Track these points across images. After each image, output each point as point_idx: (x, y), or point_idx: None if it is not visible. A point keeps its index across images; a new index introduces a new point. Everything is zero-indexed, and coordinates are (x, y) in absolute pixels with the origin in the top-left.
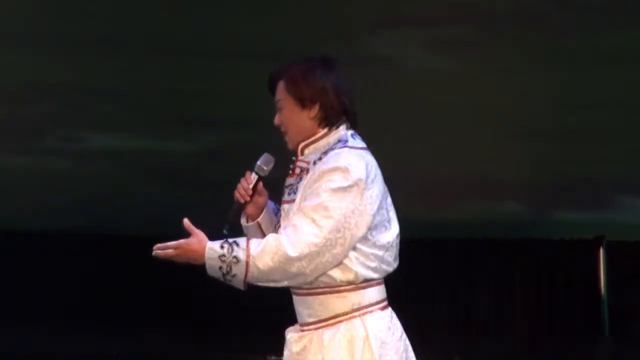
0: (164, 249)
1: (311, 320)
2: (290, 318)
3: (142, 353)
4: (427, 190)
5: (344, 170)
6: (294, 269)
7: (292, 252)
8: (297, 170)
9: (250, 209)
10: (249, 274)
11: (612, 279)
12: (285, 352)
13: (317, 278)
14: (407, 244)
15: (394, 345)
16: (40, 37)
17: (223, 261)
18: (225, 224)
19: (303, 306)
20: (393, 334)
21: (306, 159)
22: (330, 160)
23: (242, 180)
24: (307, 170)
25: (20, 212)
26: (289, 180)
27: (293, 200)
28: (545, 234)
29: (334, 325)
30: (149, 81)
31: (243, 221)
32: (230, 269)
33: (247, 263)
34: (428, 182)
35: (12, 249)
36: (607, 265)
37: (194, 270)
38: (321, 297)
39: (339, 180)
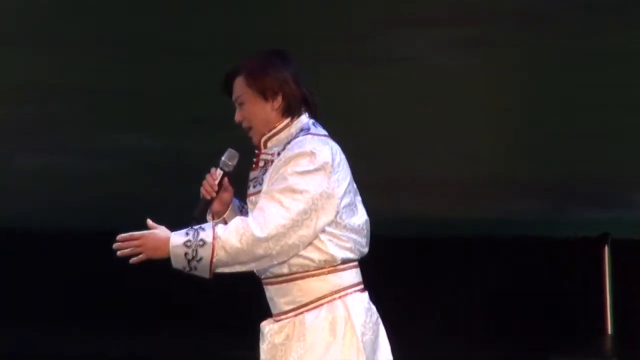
0: (127, 240)
1: (289, 307)
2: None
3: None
4: (433, 189)
5: (310, 154)
6: (261, 250)
7: (260, 233)
8: (261, 163)
9: (216, 206)
10: (216, 257)
11: (616, 277)
12: (264, 346)
13: (288, 262)
14: (418, 241)
15: (371, 327)
16: (55, 36)
17: (188, 246)
18: (192, 221)
19: (279, 295)
20: (371, 316)
21: (269, 152)
22: (295, 147)
23: (208, 177)
24: (272, 162)
25: (41, 212)
26: (253, 174)
27: (258, 192)
28: (551, 232)
29: (315, 308)
30: (162, 80)
31: (209, 218)
32: (196, 253)
33: (213, 245)
34: (434, 181)
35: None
36: (611, 263)
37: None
38: (300, 282)
39: (305, 164)
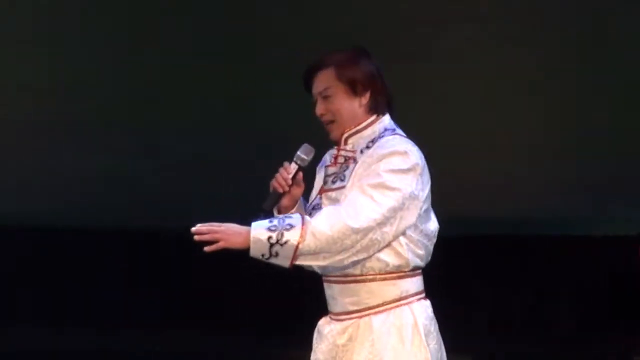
0: (206, 229)
1: (354, 308)
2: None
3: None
4: (466, 186)
5: (403, 154)
6: (348, 242)
7: (353, 223)
8: (341, 160)
9: (285, 201)
10: (303, 243)
11: None
12: (323, 346)
13: (362, 263)
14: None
15: (435, 335)
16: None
17: (273, 230)
18: (260, 212)
19: (345, 295)
20: (435, 324)
21: (350, 148)
22: (387, 145)
23: (282, 170)
24: (354, 159)
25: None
26: (331, 169)
27: (340, 188)
28: (590, 230)
29: (382, 312)
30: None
31: (275, 212)
32: (282, 236)
33: (302, 229)
34: (467, 178)
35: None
36: None
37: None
38: (370, 284)
39: (398, 163)
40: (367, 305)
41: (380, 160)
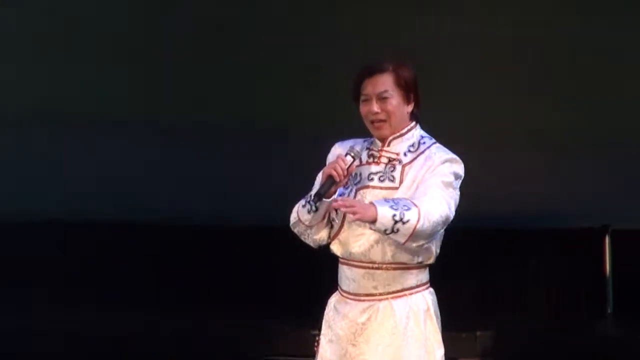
0: (349, 203)
1: (375, 291)
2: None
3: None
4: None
5: (459, 162)
6: (439, 228)
7: (450, 213)
8: (384, 160)
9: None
10: (418, 225)
11: (616, 265)
12: (344, 323)
13: (394, 253)
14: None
15: (439, 320)
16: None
17: (395, 209)
18: (316, 196)
19: (368, 279)
20: (439, 310)
21: (393, 150)
22: (441, 152)
23: (339, 161)
24: (399, 161)
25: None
26: (376, 168)
27: (390, 188)
28: (554, 224)
29: (401, 297)
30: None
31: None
32: (404, 215)
33: (418, 212)
34: None
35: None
36: (612, 251)
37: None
38: (394, 272)
39: (458, 169)
40: (387, 290)
41: (444, 163)
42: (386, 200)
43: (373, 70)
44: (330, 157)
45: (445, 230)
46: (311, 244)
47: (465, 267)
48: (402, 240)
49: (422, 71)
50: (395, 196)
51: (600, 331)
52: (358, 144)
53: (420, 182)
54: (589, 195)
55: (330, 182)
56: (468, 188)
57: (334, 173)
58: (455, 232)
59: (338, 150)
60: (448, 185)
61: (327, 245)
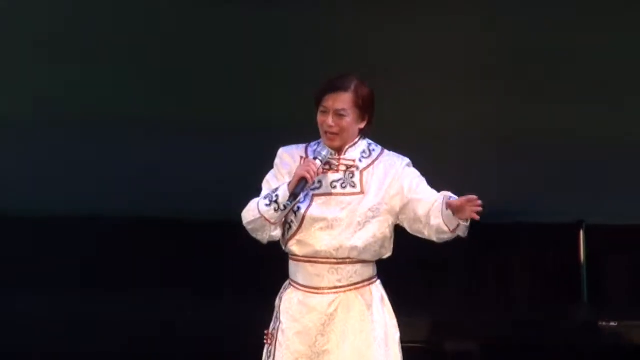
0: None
1: (341, 284)
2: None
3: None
4: None
5: (410, 162)
6: None
7: None
8: (342, 167)
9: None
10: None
11: (591, 259)
12: (312, 315)
13: (362, 250)
14: None
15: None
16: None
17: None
18: (292, 197)
19: (333, 273)
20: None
21: (349, 158)
22: (397, 158)
23: (311, 165)
24: (356, 167)
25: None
26: (335, 176)
27: (353, 194)
28: (531, 219)
29: (362, 288)
30: None
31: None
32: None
33: None
34: None
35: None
36: (586, 245)
37: None
38: (356, 266)
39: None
40: (350, 282)
41: (405, 168)
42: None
43: (336, 87)
44: (279, 162)
45: None
46: (263, 241)
47: (452, 260)
48: (465, 234)
49: (389, 72)
50: (364, 204)
51: (575, 316)
52: (310, 149)
53: (400, 187)
54: (566, 193)
55: (304, 184)
56: (458, 188)
57: (307, 176)
58: None
59: (285, 156)
60: (423, 179)
61: (278, 243)
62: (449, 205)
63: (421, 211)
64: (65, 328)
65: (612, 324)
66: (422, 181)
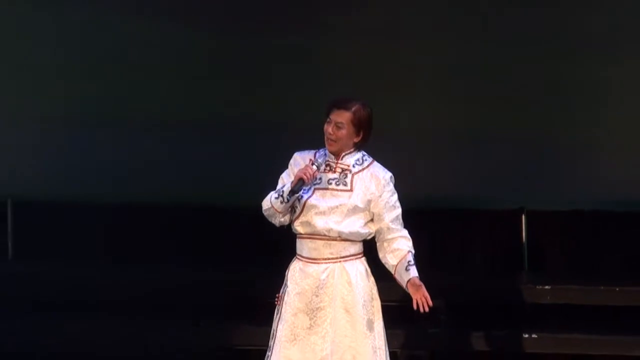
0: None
1: (332, 256)
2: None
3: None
4: None
5: (391, 176)
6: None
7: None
8: (339, 170)
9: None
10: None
11: (530, 237)
12: (309, 280)
13: (352, 231)
14: None
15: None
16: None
17: (415, 267)
18: (291, 193)
19: (327, 248)
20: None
21: (345, 163)
22: (381, 170)
23: (308, 169)
24: (350, 171)
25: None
26: (333, 175)
27: (345, 190)
28: (473, 205)
29: (349, 261)
30: None
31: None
32: (414, 262)
33: (412, 253)
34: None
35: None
36: (527, 227)
37: None
38: (345, 243)
39: (392, 181)
40: (340, 255)
41: (387, 184)
42: (410, 265)
43: (341, 105)
44: (293, 163)
45: (405, 211)
46: (276, 225)
47: (420, 239)
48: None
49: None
50: (350, 201)
51: (518, 283)
52: (317, 155)
53: (376, 197)
54: (510, 182)
55: (301, 183)
56: (419, 180)
57: (305, 177)
58: (410, 213)
59: (298, 158)
60: (398, 207)
61: (289, 226)
62: (407, 282)
63: (383, 251)
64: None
65: (546, 287)
66: (393, 208)
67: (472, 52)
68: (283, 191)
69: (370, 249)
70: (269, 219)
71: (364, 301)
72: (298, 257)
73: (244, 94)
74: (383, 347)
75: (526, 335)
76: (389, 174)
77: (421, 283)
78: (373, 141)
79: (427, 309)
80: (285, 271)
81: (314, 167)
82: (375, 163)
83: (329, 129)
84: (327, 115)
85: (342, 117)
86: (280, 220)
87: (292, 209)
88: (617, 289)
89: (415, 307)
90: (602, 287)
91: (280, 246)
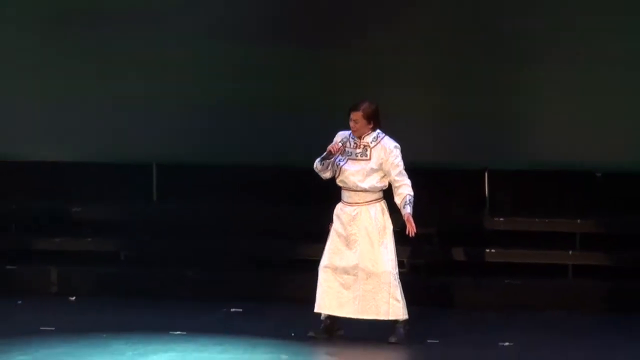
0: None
1: (360, 201)
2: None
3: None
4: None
5: (397, 145)
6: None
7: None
8: (362, 146)
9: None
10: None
11: (491, 188)
12: (344, 215)
13: (377, 186)
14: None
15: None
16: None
17: (411, 206)
18: (323, 159)
19: (356, 196)
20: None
21: (365, 141)
22: (389, 141)
23: (335, 145)
24: (369, 146)
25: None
26: (357, 150)
27: (365, 159)
28: (442, 165)
29: (372, 203)
30: None
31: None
32: (411, 202)
33: (411, 194)
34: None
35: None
36: (489, 182)
37: None
38: (368, 192)
39: (399, 149)
40: (364, 200)
41: (392, 150)
42: (406, 204)
43: (354, 108)
44: (336, 138)
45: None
46: (324, 179)
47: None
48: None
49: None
50: (368, 166)
51: (482, 217)
52: (350, 135)
53: (385, 160)
54: (476, 150)
55: (329, 154)
56: (406, 149)
57: (332, 150)
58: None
59: (339, 136)
60: (400, 165)
61: (333, 180)
62: (404, 215)
63: (394, 194)
64: None
65: (501, 219)
66: (397, 166)
67: (455, 54)
68: (322, 158)
69: (388, 195)
70: (320, 174)
71: (379, 229)
72: (341, 201)
73: (314, 88)
74: (393, 258)
75: (487, 250)
76: (394, 144)
77: (410, 217)
78: (384, 123)
79: (412, 235)
80: (334, 209)
81: (340, 144)
82: (386, 137)
83: (350, 123)
84: (349, 115)
85: (356, 115)
86: (324, 176)
87: (332, 170)
88: (547, 221)
89: (407, 233)
90: (536, 219)
91: (333, 194)
